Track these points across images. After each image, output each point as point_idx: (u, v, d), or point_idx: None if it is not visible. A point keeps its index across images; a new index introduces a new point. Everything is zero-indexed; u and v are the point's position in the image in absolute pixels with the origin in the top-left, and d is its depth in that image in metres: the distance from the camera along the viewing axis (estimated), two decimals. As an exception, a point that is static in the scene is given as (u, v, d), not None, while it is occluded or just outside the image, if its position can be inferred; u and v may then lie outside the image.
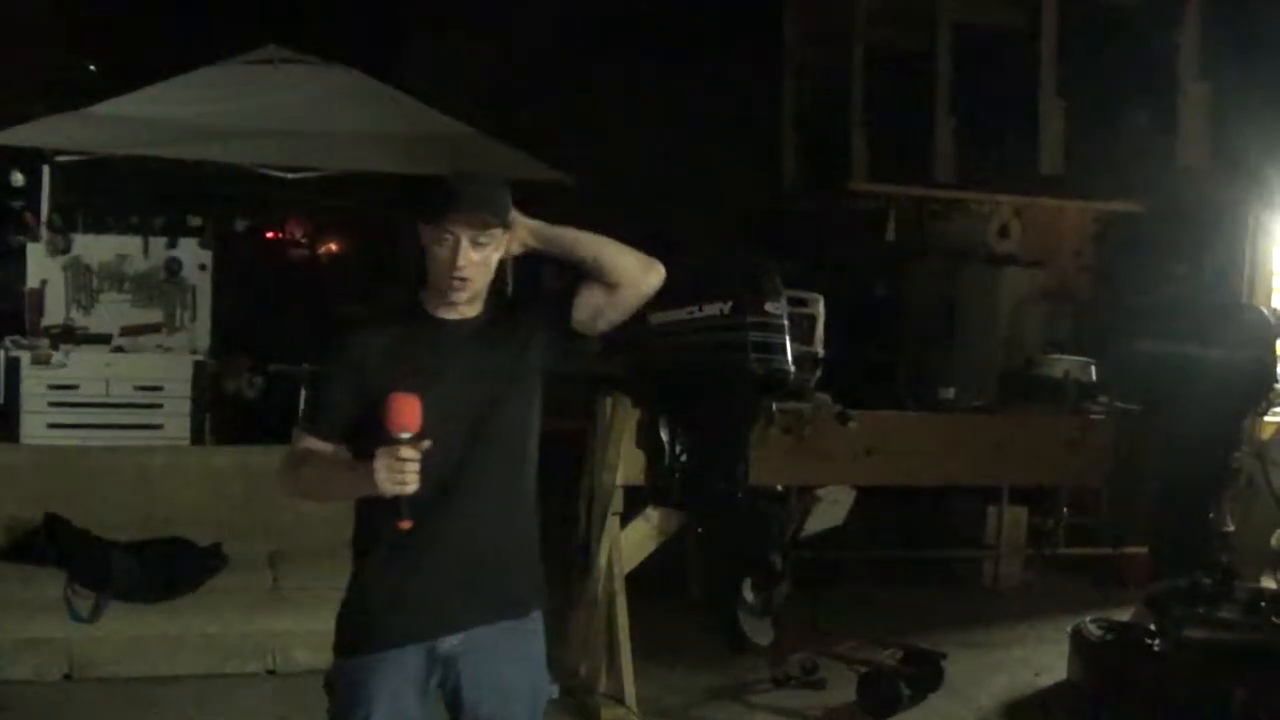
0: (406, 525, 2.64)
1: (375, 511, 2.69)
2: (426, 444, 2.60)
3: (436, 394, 2.70)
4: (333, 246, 15.72)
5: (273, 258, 14.01)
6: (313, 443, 2.82)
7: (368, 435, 2.67)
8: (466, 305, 2.83)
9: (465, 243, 2.72)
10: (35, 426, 7.79)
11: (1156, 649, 5.30)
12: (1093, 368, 7.26)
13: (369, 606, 2.83)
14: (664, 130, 12.52)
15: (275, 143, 8.73)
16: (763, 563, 5.78)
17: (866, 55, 11.66)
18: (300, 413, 2.91)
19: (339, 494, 2.84)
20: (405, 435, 2.60)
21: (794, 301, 5.62)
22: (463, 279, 2.74)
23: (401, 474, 2.58)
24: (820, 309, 5.94)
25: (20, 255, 8.56)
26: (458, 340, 2.82)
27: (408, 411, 2.61)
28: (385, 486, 2.58)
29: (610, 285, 2.82)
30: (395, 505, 2.62)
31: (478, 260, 2.75)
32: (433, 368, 2.77)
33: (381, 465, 2.58)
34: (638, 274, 2.84)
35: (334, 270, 14.89)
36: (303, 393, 6.51)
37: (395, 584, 2.80)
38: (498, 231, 2.77)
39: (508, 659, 2.87)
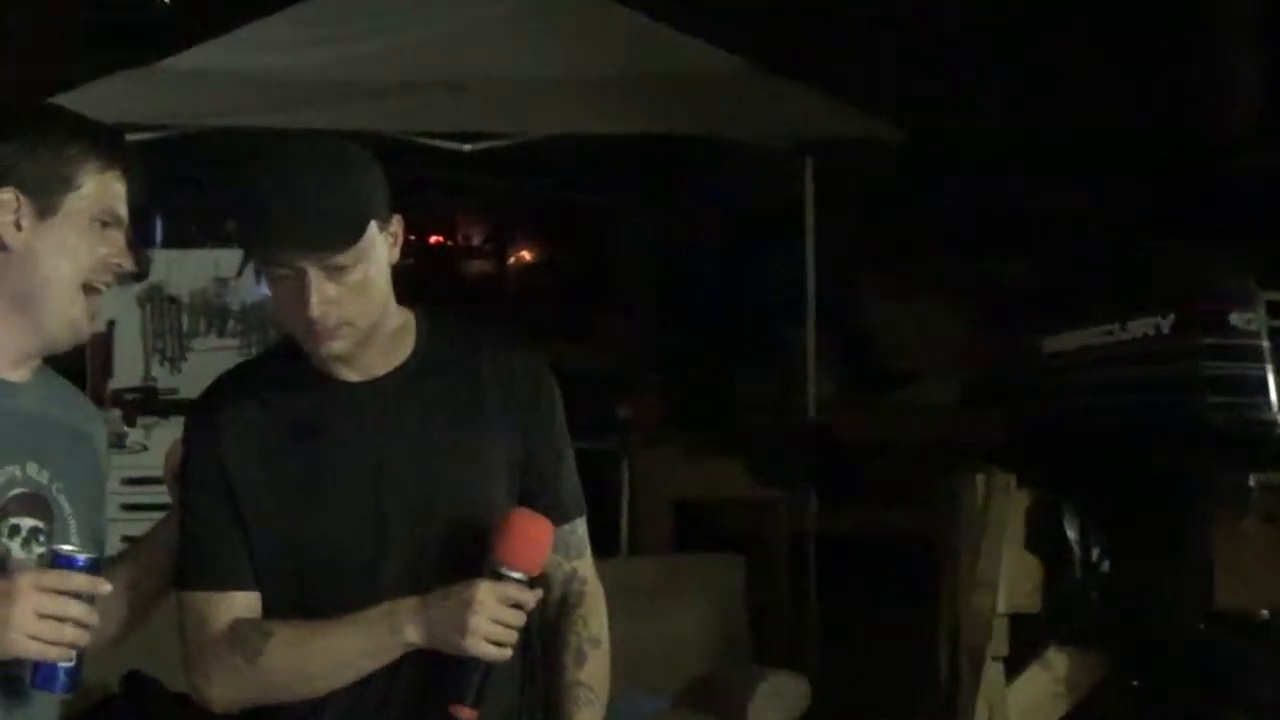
0: (470, 716, 2.65)
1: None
2: (539, 594, 2.68)
3: (337, 510, 2.74)
4: (527, 254, 16.00)
5: (440, 274, 14.36)
6: (231, 601, 2.80)
7: (286, 584, 2.74)
8: (369, 354, 2.80)
9: (315, 275, 2.66)
10: (105, 540, 8.09)
11: None
12: None
13: None
14: (1025, 62, 12.32)
15: (437, 99, 8.91)
16: (1239, 734, 5.58)
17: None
18: (180, 560, 2.87)
19: (358, 662, 2.75)
20: (516, 575, 2.63)
21: (1276, 310, 5.42)
22: (327, 328, 2.70)
23: (510, 628, 2.62)
24: (1324, 320, 5.69)
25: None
26: (371, 415, 2.80)
27: (533, 539, 2.66)
28: (473, 641, 2.60)
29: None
30: (459, 675, 2.63)
31: (339, 296, 2.68)
32: (325, 472, 2.77)
33: (484, 609, 2.60)
34: None
35: (530, 289, 15.16)
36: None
37: None
38: (362, 244, 2.69)
39: None
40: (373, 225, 2.70)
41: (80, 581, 2.48)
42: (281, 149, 2.79)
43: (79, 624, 2.46)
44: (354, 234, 2.66)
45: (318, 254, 2.64)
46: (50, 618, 2.44)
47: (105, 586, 2.51)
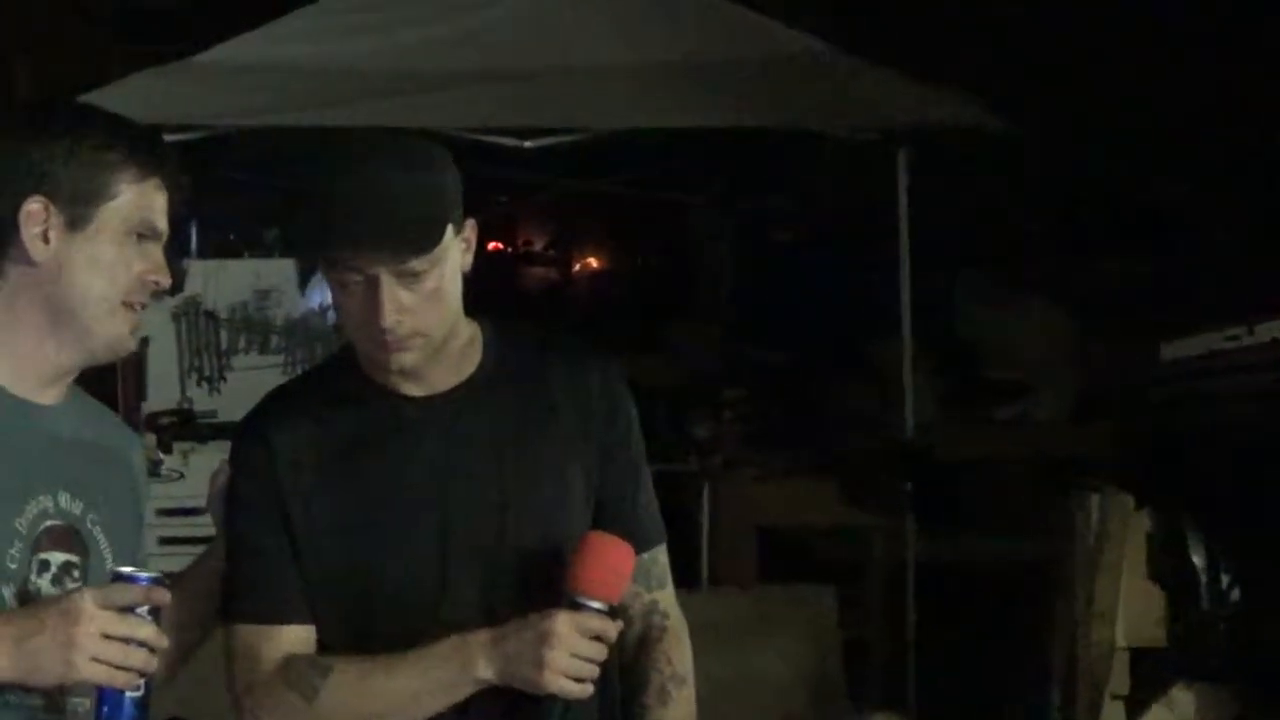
0: None
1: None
2: (620, 626, 2.68)
3: (398, 535, 2.74)
4: (593, 259, 16.02)
5: (499, 285, 14.38)
6: (283, 635, 2.80)
7: (340, 612, 2.74)
8: (436, 368, 2.80)
9: (387, 281, 2.66)
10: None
11: None
12: None
13: None
14: (1145, 39, 12.21)
15: (494, 91, 8.93)
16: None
17: None
18: (228, 591, 2.88)
19: (425, 701, 2.75)
20: (596, 605, 2.63)
21: None
22: (399, 338, 2.70)
23: (591, 662, 2.62)
24: None
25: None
26: (435, 432, 2.80)
27: (614, 566, 2.66)
28: (551, 677, 2.59)
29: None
30: (535, 714, 2.63)
31: (412, 304, 2.68)
32: (386, 493, 2.77)
33: (563, 642, 2.58)
34: None
35: (597, 298, 15.17)
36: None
37: None
38: (439, 249, 2.69)
39: None
40: (449, 230, 2.70)
41: (145, 594, 2.44)
42: (352, 145, 2.79)
43: (148, 647, 2.43)
44: (433, 238, 2.67)
45: (394, 258, 2.64)
46: (117, 639, 2.40)
47: (167, 596, 2.47)
